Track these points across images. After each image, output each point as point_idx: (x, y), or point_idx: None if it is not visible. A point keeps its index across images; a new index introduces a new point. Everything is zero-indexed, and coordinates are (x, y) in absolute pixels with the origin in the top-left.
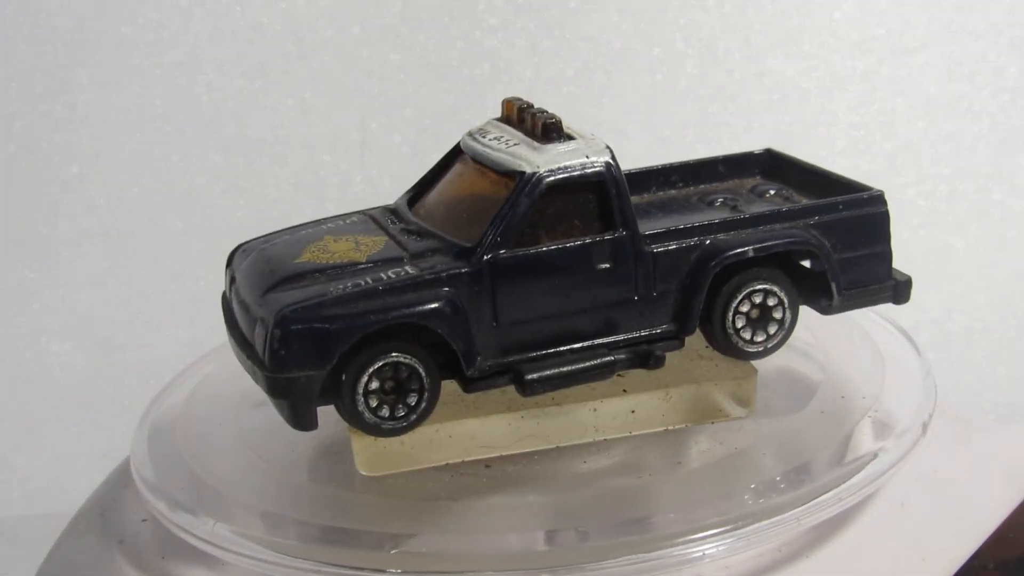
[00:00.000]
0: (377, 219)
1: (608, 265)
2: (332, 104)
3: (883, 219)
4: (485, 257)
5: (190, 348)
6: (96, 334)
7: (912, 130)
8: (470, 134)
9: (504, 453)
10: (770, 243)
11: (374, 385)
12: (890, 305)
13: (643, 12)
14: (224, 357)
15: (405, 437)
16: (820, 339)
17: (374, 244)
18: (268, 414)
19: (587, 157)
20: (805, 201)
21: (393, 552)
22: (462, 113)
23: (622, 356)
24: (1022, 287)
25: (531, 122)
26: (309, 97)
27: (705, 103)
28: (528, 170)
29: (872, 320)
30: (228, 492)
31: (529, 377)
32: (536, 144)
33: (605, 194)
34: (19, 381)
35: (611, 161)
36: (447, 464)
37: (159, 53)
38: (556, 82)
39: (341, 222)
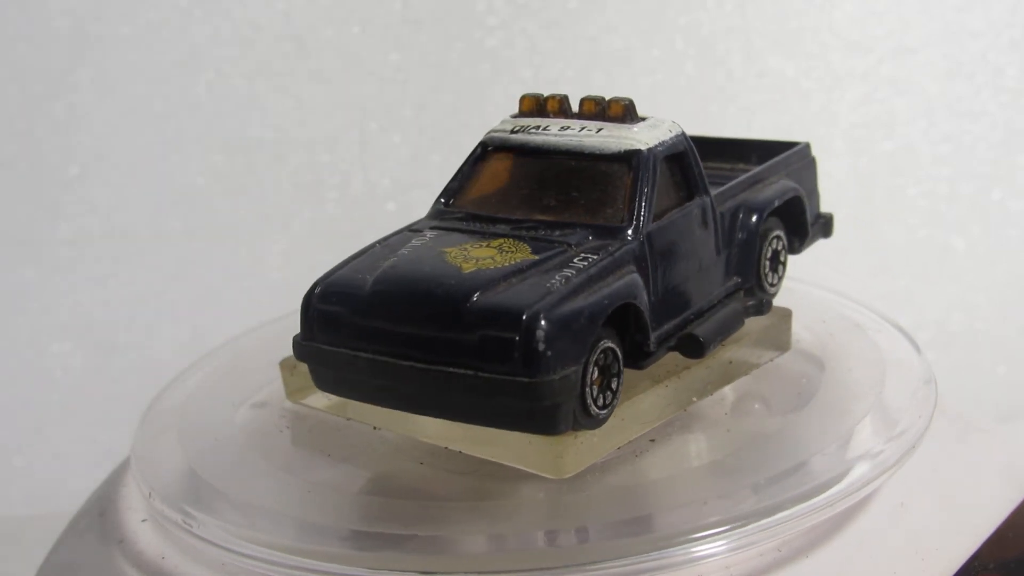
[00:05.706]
0: (461, 228)
1: (704, 227)
2: (332, 104)
3: (814, 165)
4: (641, 232)
5: (190, 348)
6: (96, 334)
7: (912, 130)
8: (517, 131)
9: (656, 424)
10: (785, 193)
11: (596, 375)
12: (890, 305)
13: (643, 12)
14: (224, 357)
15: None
16: (820, 338)
17: (515, 245)
18: (268, 414)
19: (670, 131)
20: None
21: (393, 551)
22: (462, 113)
23: (749, 303)
24: (1022, 287)
25: (597, 107)
26: (309, 97)
27: (705, 103)
28: (644, 148)
29: (872, 320)
30: (229, 492)
31: (703, 338)
32: (623, 125)
33: (686, 163)
34: (19, 381)
35: (685, 132)
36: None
37: (159, 53)
38: (556, 82)
39: (425, 238)
